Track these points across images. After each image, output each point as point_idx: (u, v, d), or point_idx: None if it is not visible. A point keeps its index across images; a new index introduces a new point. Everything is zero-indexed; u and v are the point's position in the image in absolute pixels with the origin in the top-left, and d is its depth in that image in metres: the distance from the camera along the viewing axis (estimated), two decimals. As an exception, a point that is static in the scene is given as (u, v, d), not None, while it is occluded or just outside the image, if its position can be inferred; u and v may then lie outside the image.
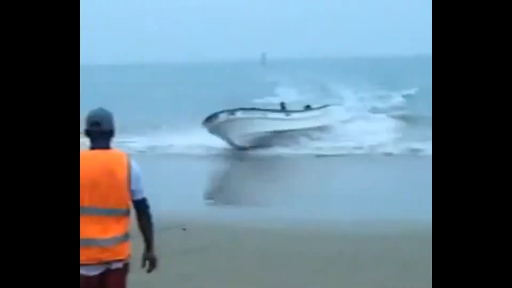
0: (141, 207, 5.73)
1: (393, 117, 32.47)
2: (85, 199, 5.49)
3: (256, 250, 10.70)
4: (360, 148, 25.00)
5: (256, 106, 27.47)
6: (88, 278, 5.53)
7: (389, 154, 23.75)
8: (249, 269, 9.63)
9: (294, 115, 27.06)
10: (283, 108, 27.78)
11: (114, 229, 5.56)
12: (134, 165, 5.67)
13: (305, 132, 26.73)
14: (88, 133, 5.65)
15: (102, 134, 5.63)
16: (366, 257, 10.20)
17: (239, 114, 25.14)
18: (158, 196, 16.18)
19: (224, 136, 25.17)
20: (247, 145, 25.10)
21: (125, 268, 5.72)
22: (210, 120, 24.82)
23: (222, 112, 25.13)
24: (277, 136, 25.59)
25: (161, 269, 9.37)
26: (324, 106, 29.59)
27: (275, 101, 31.51)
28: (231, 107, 25.67)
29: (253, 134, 25.09)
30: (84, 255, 5.46)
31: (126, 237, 5.67)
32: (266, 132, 25.29)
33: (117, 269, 5.62)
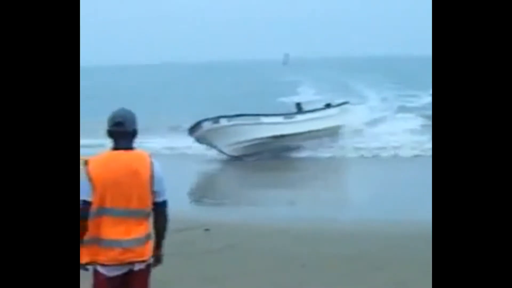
0: (162, 209, 5.71)
1: (423, 116, 31.78)
2: (108, 199, 5.48)
3: (279, 251, 10.66)
4: (384, 148, 24.61)
5: (247, 112, 25.09)
6: (110, 278, 5.54)
7: (417, 156, 23.43)
8: (271, 270, 9.60)
9: (299, 117, 24.98)
10: (299, 108, 26.35)
11: (136, 230, 5.53)
12: (157, 166, 5.65)
13: (316, 134, 24.76)
14: (110, 133, 5.63)
15: (125, 135, 5.60)
16: (390, 256, 10.14)
17: (223, 122, 23.56)
18: (180, 197, 16.35)
19: (211, 145, 23.83)
20: (238, 154, 23.49)
21: (148, 269, 5.69)
22: (193, 130, 23.54)
23: (205, 120, 23.62)
24: (277, 142, 23.85)
25: (184, 270, 9.47)
26: (343, 103, 27.36)
27: (295, 100, 30.63)
28: (250, 107, 25.38)
29: (242, 142, 23.42)
30: (106, 256, 5.48)
31: (148, 238, 5.65)
32: (258, 138, 23.48)
33: (140, 270, 5.60)
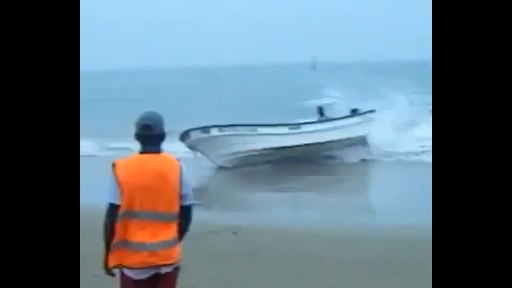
0: (187, 212, 5.72)
1: None
2: (136, 203, 5.47)
3: (308, 254, 10.61)
4: (415, 152, 24.31)
5: (243, 122, 23.71)
6: (137, 281, 5.53)
7: None
8: (300, 274, 9.55)
9: (307, 128, 23.48)
10: (321, 113, 25.48)
11: (163, 234, 5.52)
12: (185, 170, 5.65)
13: (328, 146, 23.56)
14: (138, 136, 5.62)
15: (153, 138, 5.58)
16: (421, 261, 10.06)
17: (213, 132, 22.41)
18: (207, 200, 16.38)
19: (203, 155, 22.58)
20: (233, 165, 22.32)
21: (175, 272, 5.67)
22: (183, 138, 22.28)
23: (194, 129, 22.48)
24: (279, 153, 22.70)
25: (211, 273, 9.46)
26: (369, 112, 25.67)
27: (322, 103, 29.92)
28: (272, 110, 24.71)
29: (236, 153, 22.34)
30: (133, 259, 5.48)
31: (175, 241, 5.63)
32: (255, 150, 22.41)
33: (166, 273, 5.59)
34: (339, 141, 23.73)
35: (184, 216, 5.69)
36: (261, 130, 22.90)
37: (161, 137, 5.63)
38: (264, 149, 22.45)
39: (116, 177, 5.48)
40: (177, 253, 5.64)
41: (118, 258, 5.52)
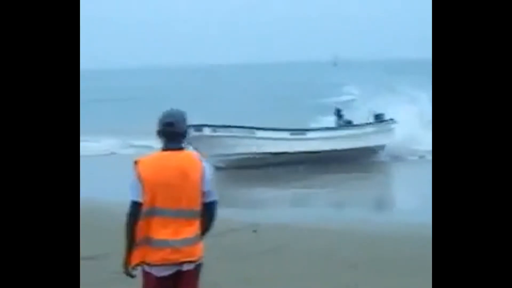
0: (210, 209, 5.71)
1: None
2: (158, 200, 5.48)
3: (327, 252, 10.61)
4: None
5: (238, 124, 23.13)
6: (159, 278, 5.54)
7: None
8: (319, 271, 9.55)
9: (311, 134, 22.79)
10: (339, 115, 24.41)
11: (186, 231, 5.52)
12: (207, 167, 5.65)
13: (334, 154, 22.55)
14: (161, 133, 5.62)
15: (175, 135, 5.59)
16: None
17: (206, 131, 22.15)
18: (228, 198, 16.37)
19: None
20: (226, 166, 21.53)
21: (197, 270, 5.67)
22: None
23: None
24: (278, 159, 22.03)
25: (231, 271, 9.48)
26: (389, 120, 24.35)
27: (342, 100, 28.94)
28: (289, 109, 24.29)
29: (230, 155, 21.88)
30: (156, 256, 5.49)
31: (198, 238, 5.63)
32: (250, 153, 22.05)
33: (188, 271, 5.59)
34: (352, 150, 22.93)
35: (207, 213, 5.68)
36: (260, 133, 22.57)
37: (183, 134, 5.62)
38: (261, 153, 22.16)
39: (138, 174, 5.50)
40: (200, 250, 5.63)
41: (141, 255, 5.54)
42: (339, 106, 25.88)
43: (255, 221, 12.74)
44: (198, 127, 21.93)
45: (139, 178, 5.49)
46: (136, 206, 5.51)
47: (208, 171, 5.64)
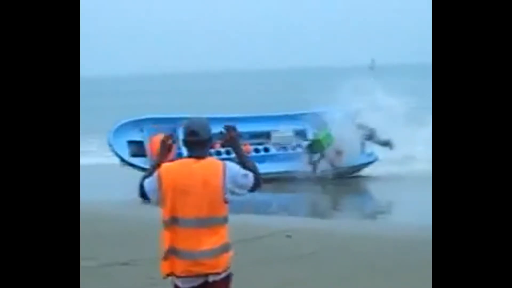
0: (257, 186, 5.65)
1: None
2: (179, 209, 5.49)
3: (362, 258, 10.60)
4: None
5: None
6: None
7: None
8: (353, 277, 9.54)
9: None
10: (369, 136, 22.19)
11: (209, 241, 5.47)
12: (231, 168, 5.57)
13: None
14: (186, 143, 5.66)
15: (199, 143, 5.62)
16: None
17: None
18: (260, 203, 16.39)
19: None
20: None
21: (225, 281, 5.57)
22: None
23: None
24: None
25: (265, 276, 9.52)
26: (386, 143, 22.27)
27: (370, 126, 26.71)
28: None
29: None
30: (180, 267, 5.48)
31: (224, 248, 5.55)
32: None
33: (214, 282, 5.51)
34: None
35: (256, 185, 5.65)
36: None
37: (206, 142, 5.65)
38: None
39: (159, 179, 5.53)
40: (225, 261, 5.55)
41: (170, 266, 5.54)
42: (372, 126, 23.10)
43: (289, 227, 12.73)
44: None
45: (159, 183, 5.53)
46: (144, 196, 5.60)
47: (233, 168, 5.58)
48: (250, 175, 5.59)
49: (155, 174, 5.57)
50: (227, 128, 5.78)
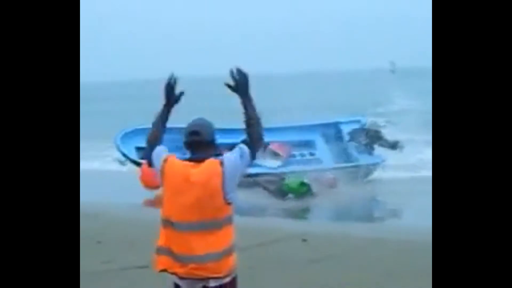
0: (255, 151, 5.41)
1: None
2: (174, 212, 5.29)
3: (379, 262, 10.59)
4: None
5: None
6: None
7: None
8: (370, 282, 9.55)
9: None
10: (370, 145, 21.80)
11: (210, 245, 5.26)
12: (228, 163, 5.29)
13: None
14: (187, 144, 5.41)
15: (200, 144, 5.35)
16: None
17: None
18: (275, 206, 16.32)
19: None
20: None
21: (228, 285, 5.36)
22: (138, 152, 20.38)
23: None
24: None
25: (281, 280, 9.54)
26: (394, 145, 22.02)
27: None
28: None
29: None
30: (181, 269, 5.32)
31: (226, 252, 5.32)
32: None
33: (215, 287, 5.32)
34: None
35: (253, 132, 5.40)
36: None
37: (208, 143, 5.38)
38: None
39: (162, 167, 5.36)
40: (228, 265, 5.33)
41: (164, 263, 5.38)
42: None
43: (306, 230, 12.76)
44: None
45: (162, 171, 5.36)
46: (149, 156, 5.46)
47: (230, 162, 5.30)
48: (246, 152, 5.34)
49: (162, 160, 5.37)
50: (238, 71, 5.43)
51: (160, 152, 5.46)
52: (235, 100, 5.43)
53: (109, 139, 21.99)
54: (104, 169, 23.26)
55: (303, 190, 17.47)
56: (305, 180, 17.47)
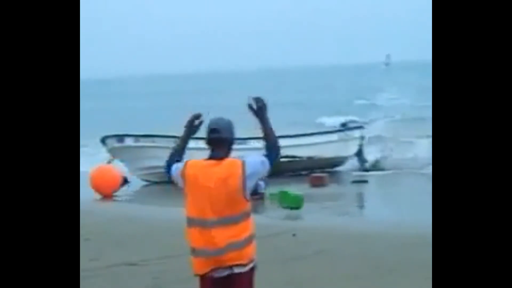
0: (274, 162, 5.68)
1: None
2: (198, 209, 5.55)
3: (368, 256, 10.60)
4: None
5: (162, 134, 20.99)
6: (214, 279, 5.59)
7: None
8: (360, 276, 9.54)
9: (254, 143, 18.25)
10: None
11: (231, 236, 5.52)
12: (250, 164, 5.57)
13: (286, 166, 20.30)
14: (207, 141, 5.65)
15: (220, 142, 5.61)
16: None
17: (128, 142, 20.95)
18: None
19: (124, 165, 20.94)
20: (153, 180, 20.28)
21: (250, 273, 5.65)
22: (103, 145, 21.37)
23: (110, 137, 21.25)
24: None
25: (270, 275, 9.52)
26: (355, 128, 22.99)
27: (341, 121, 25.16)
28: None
29: (151, 167, 19.88)
30: (203, 264, 5.58)
31: (246, 241, 5.60)
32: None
33: (241, 273, 5.59)
34: (296, 162, 21.19)
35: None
36: (190, 143, 20.61)
37: (228, 141, 5.65)
38: None
39: (183, 172, 5.62)
40: (249, 253, 5.62)
41: (201, 267, 5.63)
42: (345, 121, 24.46)
43: (294, 226, 12.77)
44: (120, 138, 21.11)
45: (183, 176, 5.62)
46: (169, 173, 5.75)
47: (252, 163, 5.57)
48: (266, 161, 5.61)
49: (182, 166, 5.67)
50: (256, 99, 5.75)
51: (179, 164, 5.73)
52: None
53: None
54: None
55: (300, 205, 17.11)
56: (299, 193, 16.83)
